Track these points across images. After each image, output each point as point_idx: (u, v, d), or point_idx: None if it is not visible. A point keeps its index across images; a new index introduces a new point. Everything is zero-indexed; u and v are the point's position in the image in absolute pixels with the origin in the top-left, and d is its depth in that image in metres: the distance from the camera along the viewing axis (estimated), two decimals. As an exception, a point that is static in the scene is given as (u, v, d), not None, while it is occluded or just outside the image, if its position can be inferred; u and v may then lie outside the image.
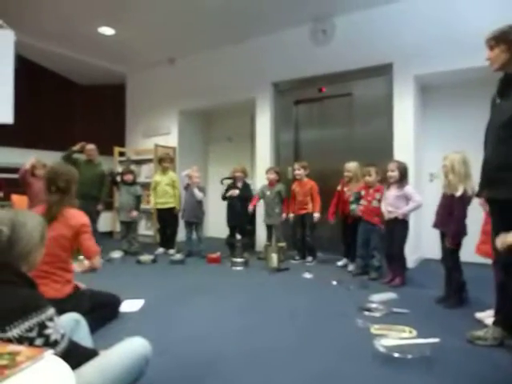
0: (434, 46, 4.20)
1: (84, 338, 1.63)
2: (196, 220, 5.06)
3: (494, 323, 2.28)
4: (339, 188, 4.35)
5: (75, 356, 1.31)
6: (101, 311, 2.54)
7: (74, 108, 7.27)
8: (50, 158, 5.13)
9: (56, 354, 1.21)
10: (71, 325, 1.63)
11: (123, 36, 5.58)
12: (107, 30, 5.39)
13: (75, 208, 2.48)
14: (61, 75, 7.00)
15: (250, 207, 4.81)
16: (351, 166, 4.21)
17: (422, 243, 4.62)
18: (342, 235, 4.41)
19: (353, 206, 4.02)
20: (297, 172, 4.64)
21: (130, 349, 1.49)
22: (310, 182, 4.62)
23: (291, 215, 4.71)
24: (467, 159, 2.85)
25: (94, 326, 2.34)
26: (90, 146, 5.12)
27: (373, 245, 3.86)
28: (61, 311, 1.42)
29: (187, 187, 5.04)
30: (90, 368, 1.33)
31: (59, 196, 2.42)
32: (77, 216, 2.42)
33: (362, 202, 3.95)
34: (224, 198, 5.04)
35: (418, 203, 3.49)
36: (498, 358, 2.08)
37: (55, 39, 5.65)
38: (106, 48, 5.98)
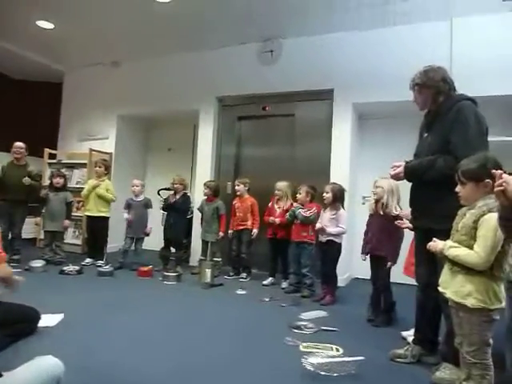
0: (369, 77, 4.45)
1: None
2: (143, 235, 4.91)
3: (413, 342, 2.40)
4: (270, 205, 4.41)
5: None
6: (15, 327, 2.31)
7: (2, 102, 6.71)
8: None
9: None
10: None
11: (63, 32, 5.27)
12: (46, 24, 5.07)
13: None
14: (-10, 66, 6.47)
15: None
16: (282, 185, 4.33)
17: (353, 263, 4.78)
18: (271, 253, 4.42)
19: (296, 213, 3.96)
20: (237, 188, 4.65)
21: (39, 369, 1.35)
22: (251, 198, 4.65)
23: (230, 231, 4.69)
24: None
25: (6, 344, 2.13)
26: (18, 144, 4.75)
27: (303, 262, 3.92)
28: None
29: (129, 206, 4.88)
30: (-12, 392, 1.18)
31: None
32: None
33: (300, 212, 3.93)
34: (163, 208, 4.89)
35: (342, 231, 3.63)
36: (418, 373, 2.19)
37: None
38: (44, 43, 5.61)
